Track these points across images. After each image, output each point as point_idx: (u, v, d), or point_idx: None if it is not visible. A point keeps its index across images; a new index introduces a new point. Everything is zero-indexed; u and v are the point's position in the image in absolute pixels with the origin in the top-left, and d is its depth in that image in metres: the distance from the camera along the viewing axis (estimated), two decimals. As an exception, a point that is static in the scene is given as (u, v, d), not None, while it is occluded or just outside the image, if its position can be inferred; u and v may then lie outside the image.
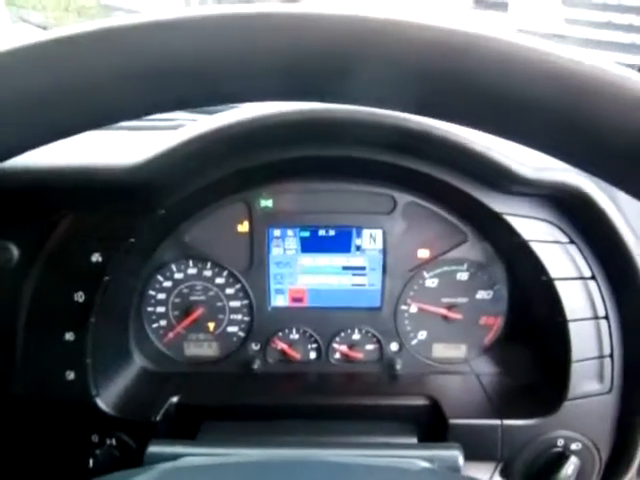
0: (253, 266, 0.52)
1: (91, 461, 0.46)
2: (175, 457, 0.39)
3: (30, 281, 0.44)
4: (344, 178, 0.51)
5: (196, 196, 0.47)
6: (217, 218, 0.51)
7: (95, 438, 0.47)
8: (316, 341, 0.54)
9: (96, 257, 0.43)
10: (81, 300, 0.44)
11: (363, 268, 0.53)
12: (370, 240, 0.52)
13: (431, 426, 0.48)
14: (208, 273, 0.52)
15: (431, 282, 0.53)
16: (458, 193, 0.46)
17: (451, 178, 0.45)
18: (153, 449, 0.41)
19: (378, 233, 0.52)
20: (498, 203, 0.46)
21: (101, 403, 0.46)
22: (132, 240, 0.44)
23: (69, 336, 0.44)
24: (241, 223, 0.52)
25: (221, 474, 0.29)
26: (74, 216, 0.44)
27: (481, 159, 0.42)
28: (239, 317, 0.54)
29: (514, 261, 0.52)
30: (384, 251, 0.52)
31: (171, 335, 0.54)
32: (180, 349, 0.55)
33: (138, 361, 0.53)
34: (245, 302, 0.53)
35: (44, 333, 0.44)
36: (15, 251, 0.44)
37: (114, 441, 0.47)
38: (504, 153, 0.42)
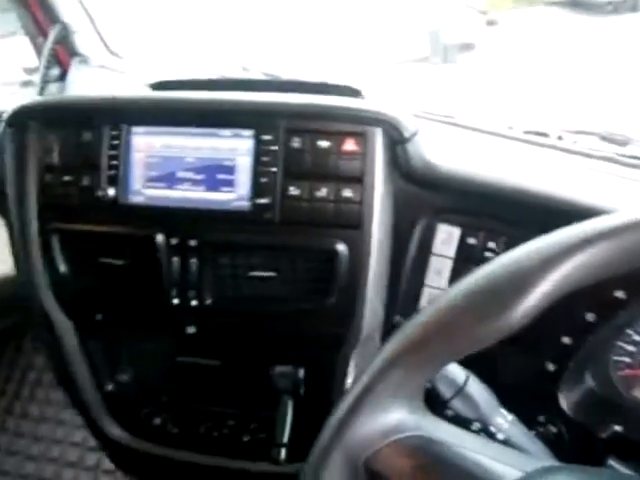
0: None
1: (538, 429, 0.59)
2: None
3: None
4: None
5: None
6: None
7: (542, 419, 0.60)
8: None
9: (620, 294, 0.53)
10: (591, 320, 0.55)
11: None
12: None
13: None
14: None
15: None
16: None
17: None
18: (613, 463, 0.50)
19: None
20: None
21: (562, 399, 0.58)
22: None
23: (566, 340, 0.56)
24: None
25: None
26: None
27: None
28: None
29: None
30: None
31: (627, 372, 0.60)
32: (628, 386, 0.61)
33: (588, 381, 0.62)
34: None
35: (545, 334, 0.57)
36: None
37: (559, 428, 0.58)
38: None
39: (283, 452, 0.68)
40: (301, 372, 0.71)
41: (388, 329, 0.69)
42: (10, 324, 1.31)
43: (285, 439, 0.68)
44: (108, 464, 1.12)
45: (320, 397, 0.73)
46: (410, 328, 0.34)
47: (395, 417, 0.35)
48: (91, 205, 0.67)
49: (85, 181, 0.67)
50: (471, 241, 0.63)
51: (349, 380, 0.71)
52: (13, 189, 0.71)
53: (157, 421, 0.81)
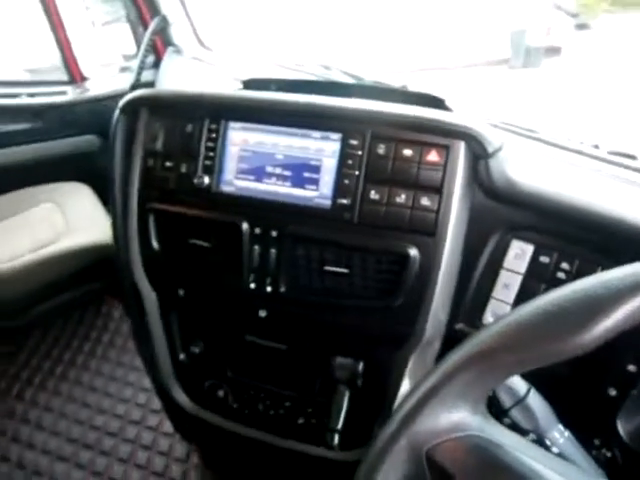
0: None
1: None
2: None
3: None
4: None
5: None
6: None
7: (597, 442, 0.60)
8: None
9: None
10: (633, 370, 0.55)
11: None
12: None
13: None
14: None
15: None
16: None
17: None
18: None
19: None
20: None
21: (620, 425, 0.58)
22: None
23: (632, 368, 0.57)
24: None
25: None
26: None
27: None
28: None
29: None
30: None
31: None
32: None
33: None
34: None
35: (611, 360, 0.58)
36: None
37: (613, 453, 0.59)
38: None
39: (336, 438, 0.72)
40: (360, 366, 0.75)
41: (449, 336, 0.71)
42: (94, 288, 1.44)
43: (339, 426, 0.72)
44: (168, 427, 1.21)
45: (375, 392, 0.76)
46: (486, 334, 0.36)
47: (459, 416, 0.38)
48: (186, 190, 0.74)
49: (183, 168, 0.74)
50: (544, 260, 0.64)
51: (405, 380, 0.74)
52: (119, 170, 0.79)
53: (220, 393, 0.88)
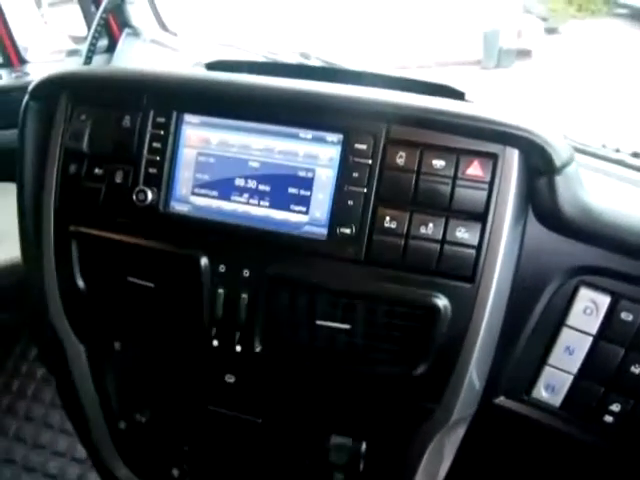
0: None
1: None
2: None
3: None
4: None
5: None
6: None
7: None
8: None
9: None
10: None
11: None
12: None
13: None
14: None
15: None
16: None
17: None
18: None
19: None
20: None
21: None
22: None
23: None
24: None
25: None
26: None
27: None
28: None
29: None
30: None
31: None
32: None
33: None
34: None
35: None
36: None
37: None
38: None
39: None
40: (362, 447, 0.56)
41: (483, 412, 0.53)
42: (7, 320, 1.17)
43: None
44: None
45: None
46: None
47: None
48: (123, 209, 0.53)
49: (118, 178, 0.53)
50: (625, 317, 0.46)
51: (420, 467, 0.55)
52: (30, 178, 0.57)
53: (175, 472, 0.68)
